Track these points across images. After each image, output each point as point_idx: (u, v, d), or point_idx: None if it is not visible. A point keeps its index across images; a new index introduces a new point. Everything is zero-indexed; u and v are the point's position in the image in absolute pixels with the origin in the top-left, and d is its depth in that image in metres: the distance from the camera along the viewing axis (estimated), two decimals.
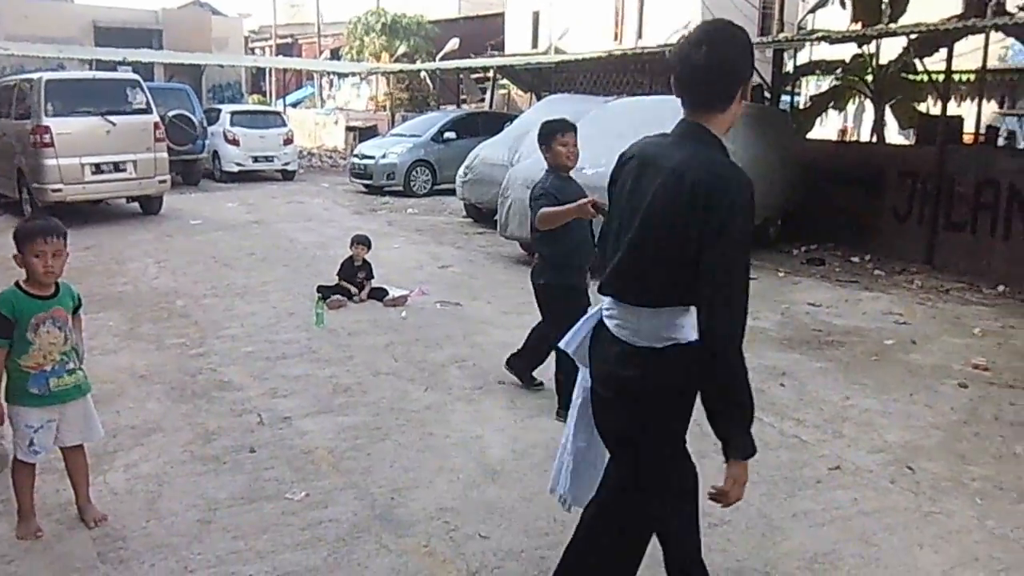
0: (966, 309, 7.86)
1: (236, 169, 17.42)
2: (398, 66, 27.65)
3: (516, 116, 15.45)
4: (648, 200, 2.27)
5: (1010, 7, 12.87)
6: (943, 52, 10.90)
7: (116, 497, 3.80)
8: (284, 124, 18.72)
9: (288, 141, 18.18)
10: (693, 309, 2.27)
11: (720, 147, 2.31)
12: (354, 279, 7.61)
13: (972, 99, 14.62)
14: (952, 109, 11.94)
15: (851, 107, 18.28)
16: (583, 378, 2.70)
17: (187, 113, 16.09)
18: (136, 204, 12.63)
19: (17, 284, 3.35)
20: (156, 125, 11.90)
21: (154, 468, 4.11)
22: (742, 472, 2.22)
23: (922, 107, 13.96)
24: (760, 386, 4.62)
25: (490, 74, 22.00)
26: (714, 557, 3.37)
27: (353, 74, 30.92)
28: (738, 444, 2.20)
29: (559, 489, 2.86)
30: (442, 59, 27.27)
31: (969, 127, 12.74)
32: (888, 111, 13.70)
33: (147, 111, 11.89)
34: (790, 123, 12.16)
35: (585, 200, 4.33)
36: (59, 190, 10.95)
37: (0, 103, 12.24)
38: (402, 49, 30.43)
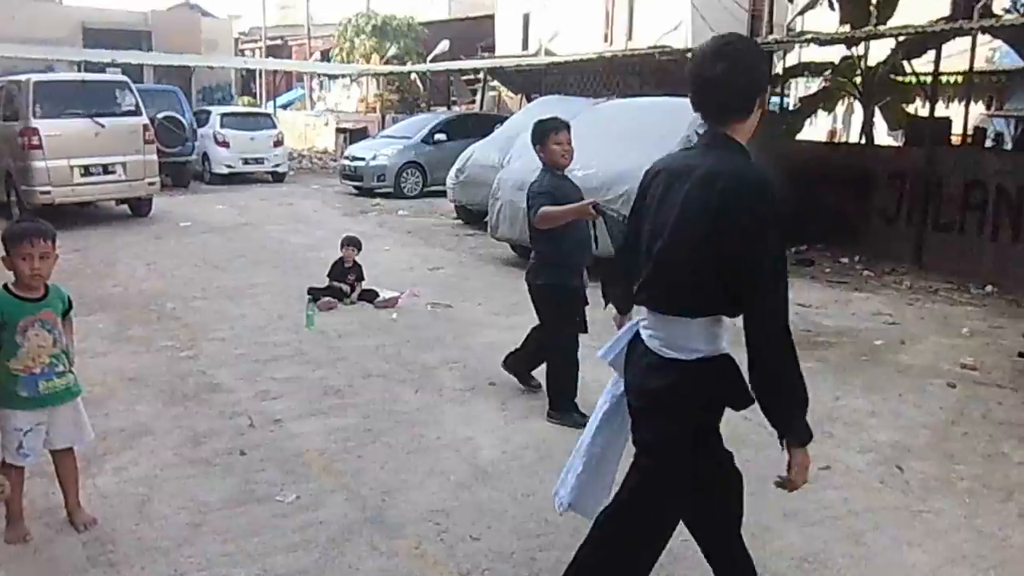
0: (954, 309, 7.90)
1: (226, 171, 17.38)
2: (388, 68, 27.65)
3: (507, 118, 15.46)
4: (678, 208, 2.33)
5: (996, 9, 12.96)
6: (931, 54, 10.96)
7: (106, 500, 3.79)
8: (274, 126, 18.69)
9: (278, 143, 18.15)
10: (723, 320, 2.34)
11: (745, 153, 2.37)
12: (345, 281, 7.60)
13: (960, 101, 14.72)
14: (940, 111, 11.99)
15: (840, 109, 18.36)
16: (613, 384, 2.72)
17: (177, 115, 16.05)
18: (125, 206, 12.59)
19: (5, 287, 3.33)
20: (145, 127, 11.86)
21: (144, 471, 4.10)
22: (804, 458, 2.27)
23: (911, 109, 14.03)
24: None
25: (480, 76, 22.02)
26: (698, 556, 3.38)
27: (343, 76, 30.89)
28: (796, 432, 2.26)
29: (560, 490, 2.86)
30: (432, 61, 27.29)
31: (957, 128, 12.81)
32: (877, 113, 13.76)
33: (136, 113, 11.84)
34: (779, 124, 12.21)
35: (587, 201, 4.35)
36: (48, 192, 10.90)
37: None
38: (392, 51, 30.42)
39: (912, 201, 10.01)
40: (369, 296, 7.56)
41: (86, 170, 11.22)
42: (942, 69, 10.98)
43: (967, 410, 5.21)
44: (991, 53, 16.70)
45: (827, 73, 14.24)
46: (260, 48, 37.46)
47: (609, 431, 2.75)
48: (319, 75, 33.96)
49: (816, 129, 18.60)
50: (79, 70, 18.45)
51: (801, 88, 18.94)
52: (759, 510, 3.78)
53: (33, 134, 10.78)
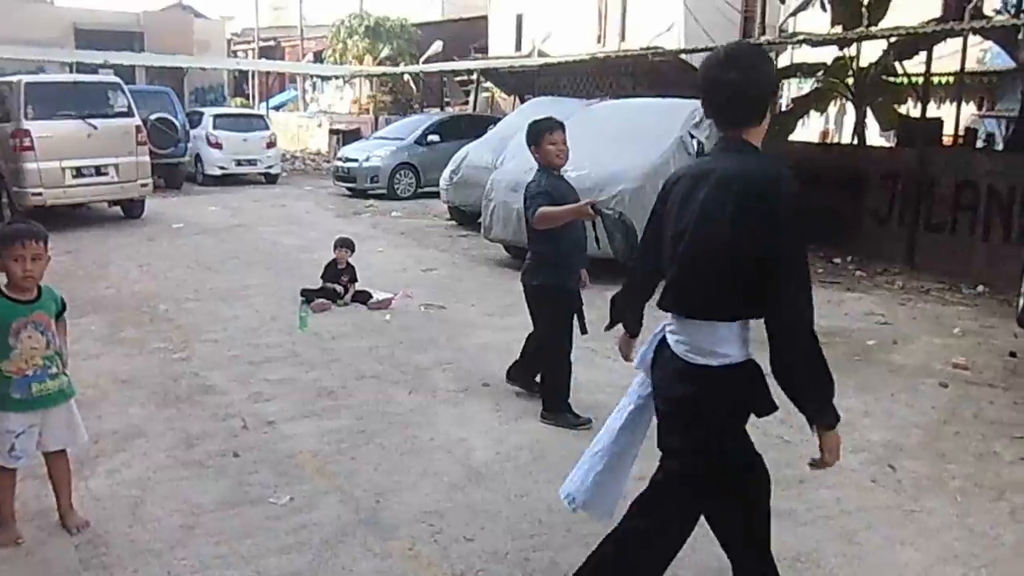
0: (946, 309, 7.93)
1: (219, 172, 17.34)
2: (381, 69, 27.64)
3: (500, 119, 15.46)
4: (699, 212, 2.38)
5: (987, 10, 13.02)
6: (923, 55, 11.01)
7: (98, 503, 3.78)
8: (267, 127, 18.65)
9: (271, 144, 18.11)
10: (749, 324, 2.40)
11: (759, 155, 2.45)
12: (338, 282, 7.59)
13: (951, 101, 14.77)
14: (932, 111, 12.04)
15: (832, 109, 18.39)
16: (640, 385, 2.73)
17: (169, 116, 16.00)
18: (118, 208, 12.55)
19: None
20: (138, 128, 11.83)
21: (137, 473, 4.09)
22: (834, 439, 2.36)
23: (902, 109, 14.08)
24: None
25: (474, 77, 22.03)
26: (697, 556, 3.39)
27: (336, 77, 30.88)
28: (827, 416, 2.34)
29: (572, 489, 2.85)
30: (425, 62, 27.30)
31: (949, 129, 12.86)
32: (869, 113, 13.81)
33: (129, 114, 11.81)
34: (772, 125, 12.22)
35: (585, 202, 4.36)
36: (40, 194, 10.86)
37: None
38: (385, 52, 30.39)
39: (904, 201, 10.05)
40: (362, 297, 7.55)
41: (78, 172, 11.19)
42: (933, 70, 11.01)
43: (959, 410, 5.23)
44: (982, 54, 16.75)
45: (819, 74, 14.29)
46: (253, 49, 37.38)
47: (632, 432, 2.77)
48: (312, 76, 33.91)
49: (808, 130, 18.64)
50: (71, 71, 18.38)
51: (793, 89, 18.96)
52: None
53: (24, 136, 10.74)
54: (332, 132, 24.42)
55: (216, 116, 18.04)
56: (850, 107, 14.74)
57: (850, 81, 13.39)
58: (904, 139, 12.01)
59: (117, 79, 12.84)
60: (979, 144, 14.84)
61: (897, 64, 12.67)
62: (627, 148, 8.85)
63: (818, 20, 14.39)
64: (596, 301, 7.12)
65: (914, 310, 7.86)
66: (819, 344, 2.32)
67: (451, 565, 3.34)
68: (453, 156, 12.86)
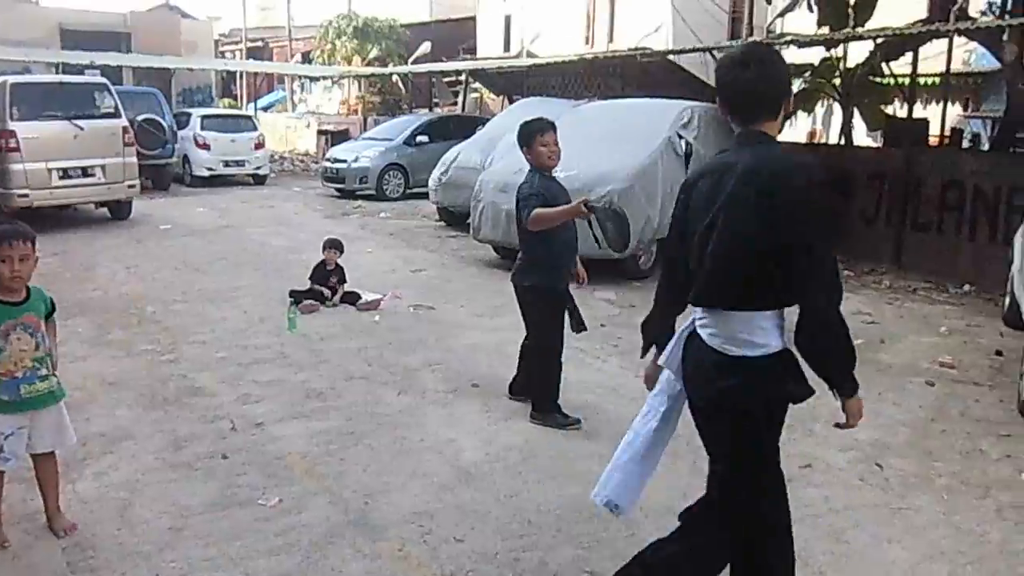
0: (933, 308, 7.99)
1: (207, 174, 17.26)
2: (370, 70, 27.59)
3: (488, 119, 15.47)
4: (727, 204, 2.42)
5: (972, 12, 13.11)
6: (909, 56, 11.08)
7: (86, 506, 3.76)
8: (255, 128, 18.57)
9: (259, 145, 18.04)
10: (783, 312, 2.46)
11: (779, 146, 2.55)
12: (326, 283, 7.58)
13: (937, 102, 14.87)
14: (918, 112, 12.12)
15: (820, 110, 18.49)
16: (669, 384, 2.74)
17: (156, 117, 15.92)
18: (105, 209, 12.47)
19: None
20: (125, 129, 11.76)
21: (125, 476, 4.08)
22: (857, 404, 2.52)
23: (889, 110, 14.15)
24: None
25: (462, 78, 22.01)
26: None
27: (325, 78, 30.79)
28: (849, 386, 2.49)
29: (613, 496, 2.82)
30: (414, 63, 27.26)
31: (935, 130, 12.94)
32: (856, 114, 13.88)
33: (116, 115, 11.73)
34: None
35: (578, 201, 4.36)
36: (26, 196, 10.79)
37: None
38: (374, 53, 30.33)
39: (891, 201, 10.10)
40: (351, 298, 7.54)
41: (65, 173, 11.12)
42: (919, 71, 11.08)
43: (946, 408, 5.27)
44: (967, 55, 16.87)
45: (806, 75, 14.34)
46: (241, 50, 37.27)
47: (664, 432, 2.77)
48: (300, 77, 33.80)
49: (796, 130, 18.74)
50: (57, 72, 18.26)
51: None
52: None
53: (10, 137, 10.67)
54: (320, 133, 24.37)
55: (204, 117, 17.95)
56: (837, 107, 14.82)
57: (837, 82, 13.46)
58: (891, 139, 12.07)
59: (104, 80, 12.77)
60: (965, 144, 14.93)
61: (884, 65, 12.74)
62: (616, 149, 8.87)
63: (805, 21, 14.45)
64: (588, 301, 7.18)
65: (901, 309, 7.91)
66: (846, 323, 2.42)
67: (441, 566, 3.34)
68: (442, 157, 12.84)
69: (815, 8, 13.41)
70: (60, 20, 24.57)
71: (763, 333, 2.45)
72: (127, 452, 4.35)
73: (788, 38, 12.96)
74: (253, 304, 7.51)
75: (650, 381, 2.90)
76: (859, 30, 11.69)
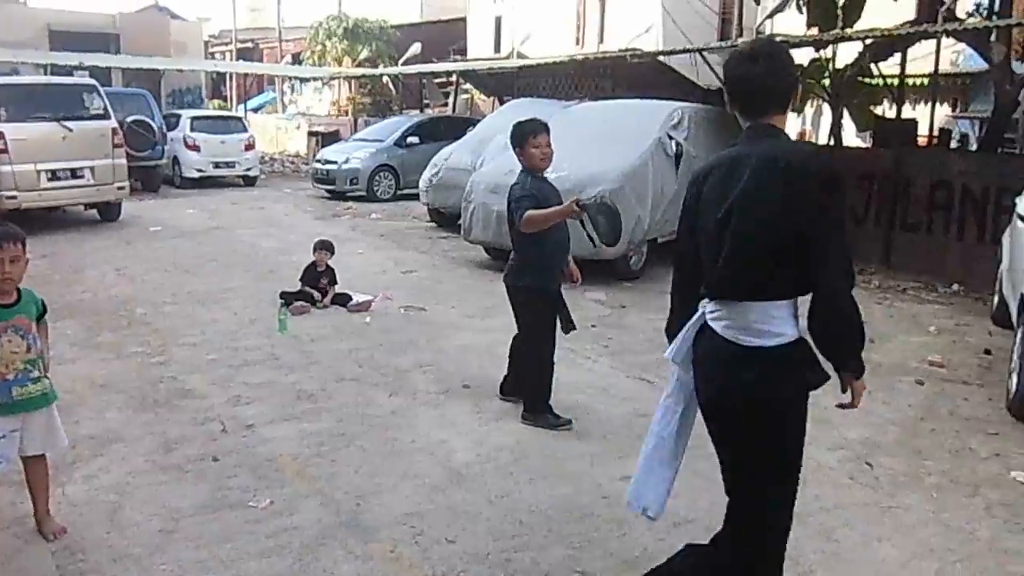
0: (922, 308, 8.03)
1: (196, 175, 17.20)
2: (360, 71, 27.54)
3: (479, 120, 15.47)
4: (743, 193, 2.45)
5: (960, 13, 13.17)
6: (897, 57, 11.13)
7: (75, 509, 3.74)
8: (245, 129, 18.52)
9: (249, 147, 17.99)
10: (796, 300, 2.49)
11: (790, 138, 2.63)
12: (317, 285, 7.57)
13: (926, 103, 14.93)
14: (907, 112, 12.17)
15: (809, 110, 18.57)
16: (682, 384, 2.72)
17: (146, 118, 15.85)
18: (94, 211, 12.42)
19: None
20: (114, 131, 11.71)
21: (115, 478, 4.06)
22: (861, 385, 2.58)
23: (878, 110, 14.21)
24: None
25: (453, 79, 22.02)
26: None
27: (315, 79, 30.70)
28: (857, 367, 2.54)
29: (646, 503, 2.80)
30: (404, 64, 27.23)
31: (923, 130, 13.00)
32: (845, 114, 13.93)
33: (105, 116, 11.69)
34: None
35: (570, 201, 4.36)
36: (14, 197, 10.73)
37: None
38: (364, 54, 30.28)
39: (880, 202, 10.15)
40: (342, 300, 7.53)
41: (53, 174, 11.07)
42: (908, 72, 11.13)
43: (935, 407, 5.30)
44: (955, 56, 16.94)
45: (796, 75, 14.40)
46: (230, 51, 37.18)
47: (685, 433, 2.76)
48: (290, 78, 33.73)
49: (786, 130, 18.78)
50: (45, 73, 18.17)
51: None
52: None
53: None
54: (311, 134, 24.31)
55: (194, 118, 17.89)
56: (826, 108, 14.87)
57: (826, 82, 13.51)
58: (880, 140, 12.12)
59: (93, 81, 12.71)
60: (953, 145, 15.00)
61: (872, 66, 12.80)
62: (606, 149, 8.88)
63: (794, 22, 14.51)
64: (579, 301, 7.19)
65: (891, 309, 7.94)
66: (857, 305, 2.47)
67: (432, 567, 3.34)
68: (433, 158, 12.85)
69: (804, 9, 13.46)
70: (48, 21, 24.41)
71: (779, 322, 2.47)
72: (117, 455, 4.33)
73: (778, 39, 13.00)
74: (243, 306, 7.49)
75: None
76: (848, 31, 11.73)
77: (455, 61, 25.60)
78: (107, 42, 24.78)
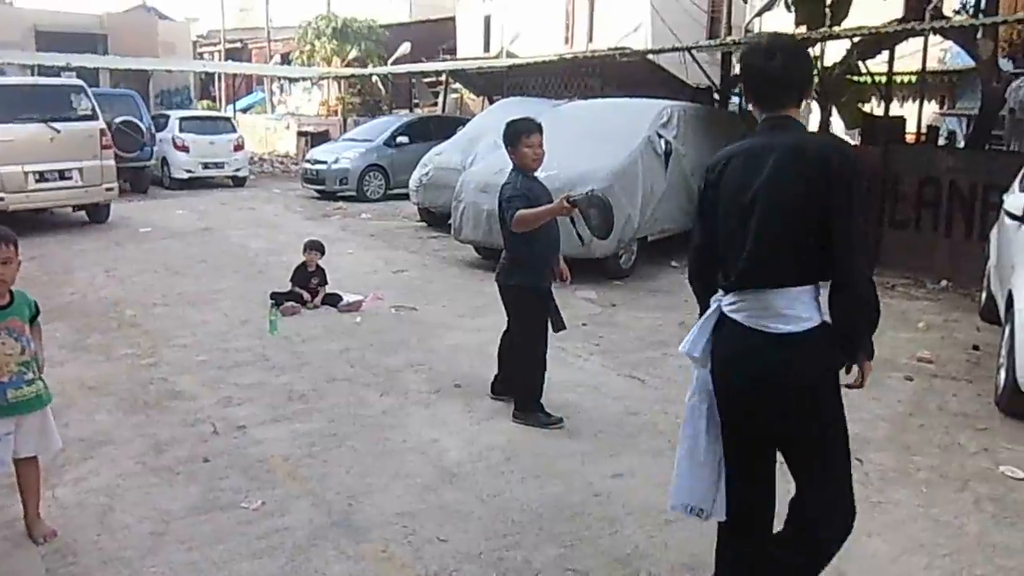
0: (911, 304, 8.07)
1: (186, 176, 17.13)
2: (349, 71, 27.50)
3: (469, 120, 15.46)
4: (769, 181, 2.50)
5: (947, 11, 13.25)
6: (885, 54, 11.18)
7: (66, 512, 3.73)
8: (234, 130, 18.46)
9: (238, 147, 17.93)
10: (819, 285, 2.53)
11: (808, 130, 2.69)
12: (308, 285, 7.55)
13: (913, 100, 15.06)
14: (895, 110, 12.25)
15: None
16: (701, 384, 2.73)
17: (134, 119, 15.76)
18: (83, 213, 12.35)
19: None
20: (102, 132, 11.66)
21: (105, 481, 4.05)
22: (870, 367, 2.65)
23: (866, 108, 14.27)
24: None
25: (442, 78, 21.99)
26: (670, 554, 3.44)
27: (304, 79, 30.67)
28: (868, 348, 2.61)
29: (695, 503, 2.79)
30: (394, 63, 27.20)
31: (911, 127, 13.07)
32: (834, 112, 13.99)
33: (93, 117, 11.63)
34: (739, 124, 12.36)
35: (560, 198, 4.36)
36: (1, 199, 10.67)
37: None
38: (353, 53, 30.24)
39: (869, 199, 10.19)
40: (332, 300, 7.51)
41: (41, 176, 11.01)
42: (896, 69, 11.19)
43: (924, 402, 5.33)
44: (942, 54, 17.06)
45: None
46: (219, 51, 37.01)
47: (714, 429, 2.74)
48: (279, 78, 33.63)
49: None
50: (33, 74, 18.07)
51: None
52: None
53: None
54: (300, 134, 24.27)
55: (182, 119, 17.81)
56: (815, 106, 14.94)
57: (815, 80, 13.56)
58: (868, 137, 12.17)
59: (80, 82, 12.64)
60: (941, 142, 15.08)
61: (860, 64, 12.86)
62: (596, 148, 8.89)
63: (783, 20, 14.55)
64: (570, 300, 7.20)
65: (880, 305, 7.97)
66: (875, 288, 2.54)
67: (425, 566, 3.34)
68: (422, 158, 12.83)
69: (793, 8, 13.51)
70: (35, 21, 24.28)
71: (805, 307, 2.52)
72: (107, 457, 4.32)
73: None
74: (234, 307, 7.47)
75: None
76: (836, 29, 11.78)
77: (444, 60, 25.58)
78: (94, 42, 24.68)
